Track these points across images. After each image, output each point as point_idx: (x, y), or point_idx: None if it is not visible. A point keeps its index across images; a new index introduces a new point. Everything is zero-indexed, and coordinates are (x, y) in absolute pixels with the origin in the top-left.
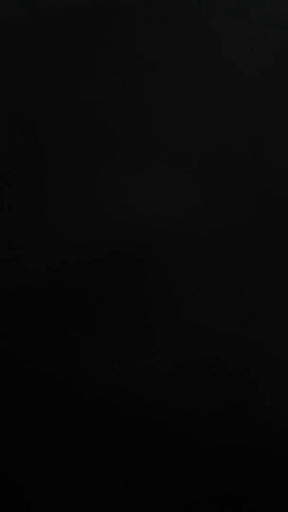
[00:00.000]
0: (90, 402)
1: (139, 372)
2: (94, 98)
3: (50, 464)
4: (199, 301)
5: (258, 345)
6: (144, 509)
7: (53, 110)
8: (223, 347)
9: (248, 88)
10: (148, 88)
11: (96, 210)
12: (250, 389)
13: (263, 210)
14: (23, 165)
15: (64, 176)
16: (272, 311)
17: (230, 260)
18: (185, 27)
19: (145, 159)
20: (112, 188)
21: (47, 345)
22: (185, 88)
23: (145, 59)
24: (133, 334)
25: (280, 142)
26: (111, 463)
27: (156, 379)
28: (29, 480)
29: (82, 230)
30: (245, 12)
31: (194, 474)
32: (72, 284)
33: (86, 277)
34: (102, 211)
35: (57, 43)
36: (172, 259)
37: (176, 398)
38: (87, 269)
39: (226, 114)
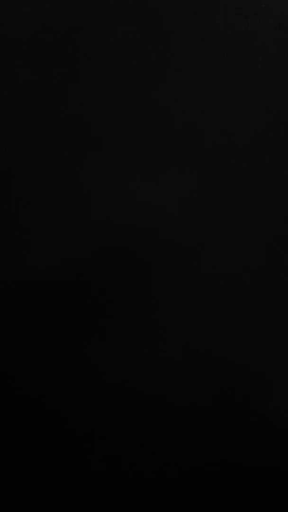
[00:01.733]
0: (94, 397)
1: (144, 367)
2: (96, 99)
3: (55, 458)
4: (203, 294)
5: (263, 338)
6: (148, 503)
7: (59, 108)
8: (228, 341)
9: (247, 85)
10: (149, 86)
11: (100, 206)
12: (255, 384)
13: (262, 202)
14: (30, 162)
15: (68, 174)
16: (276, 303)
17: (232, 253)
18: (189, 25)
19: (146, 157)
20: (115, 185)
21: (51, 341)
22: (185, 87)
23: (148, 57)
24: (137, 328)
25: (277, 134)
26: (116, 458)
27: (161, 373)
28: (35, 474)
29: (86, 227)
30: (249, 7)
31: (198, 469)
32: (74, 280)
33: (89, 273)
34: (105, 208)
35: (65, 40)
36: (174, 254)
37: (180, 392)
38: (90, 265)
39: (224, 113)
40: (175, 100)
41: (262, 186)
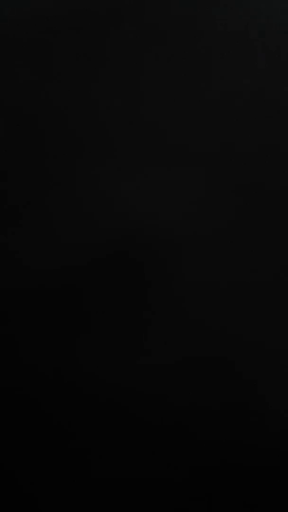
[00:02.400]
0: (91, 399)
1: (140, 369)
2: (95, 100)
3: (55, 459)
4: (202, 298)
5: (262, 339)
6: (145, 503)
7: (57, 112)
8: (223, 344)
9: (246, 88)
10: (148, 89)
11: (98, 210)
12: (250, 386)
13: (262, 208)
14: (27, 167)
15: (66, 177)
16: (272, 307)
17: (229, 259)
18: (187, 28)
19: (145, 160)
20: (113, 189)
21: (49, 343)
22: (183, 89)
23: (147, 57)
24: (136, 332)
25: (279, 141)
26: (115, 458)
27: (157, 376)
28: (32, 476)
29: (84, 231)
30: (247, 12)
31: (198, 469)
32: (73, 283)
33: (87, 276)
34: (103, 212)
35: (65, 41)
36: (172, 258)
37: (180, 393)
38: (88, 269)
39: (225, 114)
40: (174, 100)
41: (261, 189)
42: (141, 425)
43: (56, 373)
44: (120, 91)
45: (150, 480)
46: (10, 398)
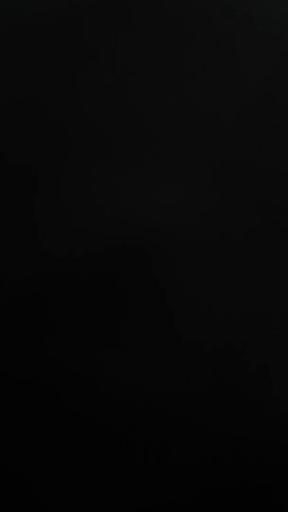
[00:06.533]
0: (94, 391)
1: (145, 362)
2: (101, 100)
3: (56, 456)
4: (201, 286)
5: (262, 329)
6: (146, 498)
7: (73, 111)
8: (227, 332)
9: (247, 88)
10: (152, 84)
11: (110, 207)
12: (257, 377)
13: (265, 203)
14: (45, 166)
15: (82, 176)
16: (273, 293)
17: (229, 247)
18: (184, 27)
19: (151, 162)
20: (123, 187)
21: (58, 328)
22: (185, 90)
23: (144, 59)
24: (144, 321)
25: (281, 143)
26: (114, 454)
27: (161, 368)
28: (34, 469)
29: (99, 226)
30: (245, 11)
31: (197, 465)
32: (88, 273)
33: (101, 267)
34: (115, 208)
35: (71, 37)
36: (177, 249)
37: (181, 387)
38: (103, 260)
39: (226, 112)
40: (175, 106)
41: (256, 182)
42: (143, 419)
43: (59, 362)
44: (124, 90)
45: (151, 476)
46: (18, 387)
